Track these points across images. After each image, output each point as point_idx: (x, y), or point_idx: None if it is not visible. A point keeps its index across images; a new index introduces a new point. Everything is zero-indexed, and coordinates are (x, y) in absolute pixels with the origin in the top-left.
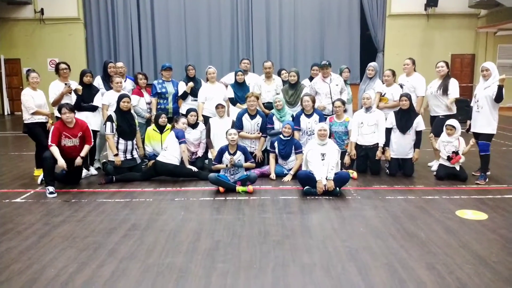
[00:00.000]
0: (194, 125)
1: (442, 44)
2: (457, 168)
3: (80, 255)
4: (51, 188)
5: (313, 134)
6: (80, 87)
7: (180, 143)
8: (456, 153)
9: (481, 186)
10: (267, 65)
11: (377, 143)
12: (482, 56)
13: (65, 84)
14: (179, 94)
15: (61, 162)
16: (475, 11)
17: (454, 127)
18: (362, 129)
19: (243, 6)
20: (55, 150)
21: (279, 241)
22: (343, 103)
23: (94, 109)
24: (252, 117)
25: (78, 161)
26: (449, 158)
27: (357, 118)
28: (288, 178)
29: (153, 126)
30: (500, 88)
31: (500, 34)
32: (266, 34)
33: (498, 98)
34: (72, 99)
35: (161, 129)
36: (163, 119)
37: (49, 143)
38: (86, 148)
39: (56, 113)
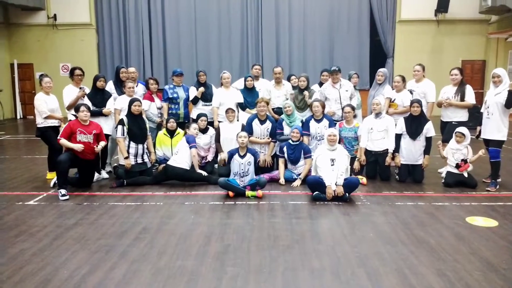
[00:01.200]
0: (204, 130)
1: (452, 50)
2: (465, 175)
3: (92, 257)
4: (63, 191)
5: (323, 139)
6: (85, 92)
7: (190, 147)
8: (465, 161)
9: (492, 193)
10: (277, 70)
11: (387, 149)
12: (493, 62)
13: (80, 88)
14: (190, 99)
15: (78, 146)
16: (485, 17)
17: (463, 134)
18: (372, 134)
19: (253, 11)
20: (64, 142)
21: (289, 245)
22: (353, 108)
23: (101, 114)
24: (262, 122)
25: (99, 147)
26: (457, 166)
27: (367, 123)
28: (297, 183)
29: (164, 130)
30: (510, 93)
31: (511, 40)
32: (275, 40)
33: (508, 103)
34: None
35: (171, 133)
36: (171, 124)
37: (59, 137)
38: (102, 143)
39: (69, 117)
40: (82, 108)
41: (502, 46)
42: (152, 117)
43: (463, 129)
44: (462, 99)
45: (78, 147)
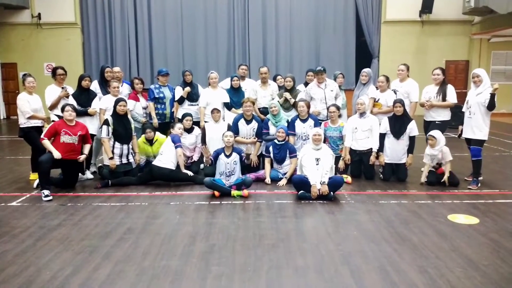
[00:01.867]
0: (189, 130)
1: (436, 51)
2: (447, 174)
3: (76, 258)
4: (46, 192)
5: (308, 139)
6: (68, 92)
7: (176, 147)
8: (439, 165)
9: (473, 191)
10: (263, 70)
11: (371, 148)
12: (476, 63)
13: (62, 88)
14: (176, 99)
15: (56, 154)
16: (469, 18)
17: (434, 137)
18: (356, 134)
19: (239, 12)
20: (47, 143)
21: (274, 244)
22: (338, 108)
23: (86, 113)
24: (248, 122)
25: (82, 158)
26: (434, 168)
27: (351, 123)
28: (283, 182)
29: (142, 138)
30: (492, 96)
31: (494, 41)
32: (262, 40)
33: (491, 106)
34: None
35: (150, 142)
36: (148, 135)
37: (42, 136)
38: (87, 146)
39: (52, 117)
40: (67, 108)
41: (485, 46)
42: (137, 117)
43: (435, 132)
44: (444, 98)
45: (56, 155)
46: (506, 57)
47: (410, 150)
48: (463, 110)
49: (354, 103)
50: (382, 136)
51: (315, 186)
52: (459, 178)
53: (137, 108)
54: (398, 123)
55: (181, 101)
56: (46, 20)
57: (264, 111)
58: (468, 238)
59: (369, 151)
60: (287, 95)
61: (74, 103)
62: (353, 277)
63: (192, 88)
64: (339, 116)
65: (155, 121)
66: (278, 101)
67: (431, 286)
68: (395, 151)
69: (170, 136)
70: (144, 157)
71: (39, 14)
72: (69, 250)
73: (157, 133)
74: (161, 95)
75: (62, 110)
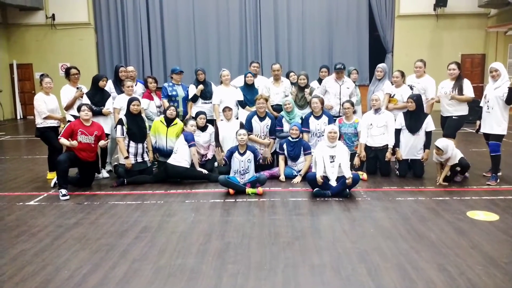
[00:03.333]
0: (203, 128)
1: (451, 45)
2: (443, 175)
3: (93, 257)
4: (64, 191)
5: (323, 135)
6: (83, 92)
7: (189, 146)
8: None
9: (492, 187)
10: (275, 67)
11: (387, 145)
12: (493, 56)
13: (77, 88)
14: (189, 97)
15: (73, 143)
16: (484, 10)
17: (440, 149)
18: (372, 130)
19: (251, 9)
20: (64, 141)
21: (289, 242)
22: (352, 104)
23: (100, 113)
24: (262, 119)
25: (103, 143)
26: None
27: (366, 119)
28: (297, 179)
29: (161, 117)
30: (510, 90)
31: (510, 34)
32: (274, 36)
33: (509, 100)
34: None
35: (168, 122)
36: (170, 111)
37: (59, 137)
38: (103, 142)
39: (68, 117)
40: (83, 107)
41: (501, 39)
42: (152, 116)
43: (440, 143)
44: (460, 93)
45: (72, 144)
46: None
47: (427, 145)
48: (481, 105)
49: (369, 99)
50: (397, 132)
51: (319, 177)
52: (477, 174)
53: (151, 107)
54: (414, 118)
55: (194, 99)
56: (60, 21)
57: (277, 108)
58: (488, 235)
59: (385, 147)
60: (306, 91)
61: (88, 102)
62: (371, 275)
63: (206, 86)
64: (354, 112)
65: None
66: (294, 91)
67: (451, 284)
68: (411, 147)
69: (183, 134)
70: (154, 141)
71: (53, 15)
72: (86, 248)
73: (177, 119)
74: (174, 93)
75: (79, 110)
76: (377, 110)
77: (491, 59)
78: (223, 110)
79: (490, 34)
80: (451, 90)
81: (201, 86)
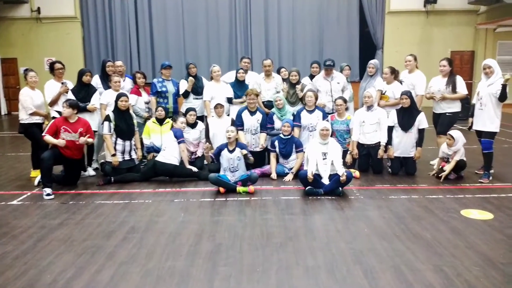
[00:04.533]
0: (193, 125)
1: (441, 41)
2: (447, 171)
3: (78, 260)
4: (48, 190)
5: (315, 130)
6: (68, 87)
7: (179, 142)
8: (447, 159)
9: (485, 185)
10: (266, 63)
11: (379, 142)
12: (482, 53)
13: (62, 83)
14: (181, 93)
15: (61, 142)
16: (474, 7)
17: (453, 137)
18: (364, 127)
19: (241, 4)
20: (49, 138)
21: (282, 243)
22: (345, 101)
23: (85, 109)
24: (252, 113)
25: (83, 140)
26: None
27: (359, 116)
28: (289, 177)
29: (153, 118)
30: (504, 87)
31: (499, 31)
32: (264, 32)
33: (502, 97)
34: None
35: (160, 122)
36: (159, 112)
37: (44, 133)
38: (85, 139)
39: (53, 113)
40: (63, 104)
41: (490, 36)
42: (140, 112)
43: (455, 132)
44: (454, 90)
45: (60, 142)
46: None
47: (419, 143)
48: (473, 102)
49: (361, 96)
50: (390, 129)
51: (310, 174)
52: (470, 171)
53: (139, 103)
54: (406, 115)
55: (186, 95)
56: (46, 14)
57: (268, 104)
58: (483, 234)
59: (377, 145)
60: (298, 87)
61: (73, 98)
62: (367, 278)
63: (197, 81)
64: (346, 109)
65: (146, 115)
66: (285, 88)
67: (449, 286)
68: (403, 144)
69: (172, 130)
70: (149, 142)
71: (39, 8)
72: (71, 251)
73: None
74: (164, 89)
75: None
76: (369, 107)
77: (481, 56)
78: (215, 107)
79: (480, 31)
80: (444, 87)
81: (192, 79)
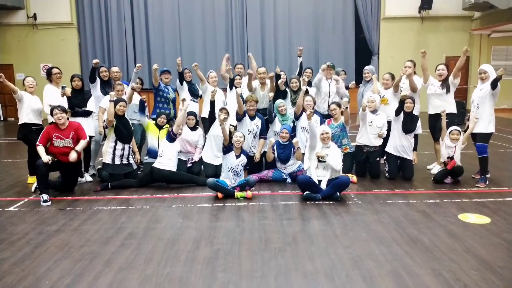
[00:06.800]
0: (192, 129)
1: (436, 47)
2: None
3: (76, 266)
4: (45, 196)
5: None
6: (68, 90)
7: (171, 142)
8: (451, 158)
9: (482, 189)
10: (261, 70)
11: (379, 146)
12: (476, 58)
13: (62, 87)
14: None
15: (45, 158)
16: (469, 13)
17: (460, 132)
18: (371, 128)
19: (237, 11)
20: (40, 149)
21: (281, 248)
22: (339, 105)
23: (87, 114)
24: (252, 118)
25: (73, 156)
26: (445, 164)
27: (368, 116)
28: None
29: (154, 122)
30: (497, 77)
31: (494, 36)
32: (260, 38)
33: (494, 85)
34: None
35: (159, 126)
36: (161, 119)
37: (37, 143)
38: (82, 142)
39: (50, 119)
40: (55, 111)
41: (485, 42)
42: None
43: (458, 128)
44: (448, 91)
45: (45, 159)
46: (506, 52)
47: (414, 147)
48: (471, 110)
49: (359, 100)
50: (389, 124)
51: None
52: (466, 176)
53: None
54: (409, 120)
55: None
56: (42, 21)
57: (263, 112)
58: (481, 238)
59: (377, 149)
60: (280, 82)
61: (65, 103)
62: (366, 283)
63: (191, 85)
64: (341, 113)
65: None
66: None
67: None
68: (399, 145)
69: (167, 136)
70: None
71: (35, 14)
72: (68, 257)
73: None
74: (168, 95)
75: (51, 112)
76: (373, 112)
77: (475, 61)
78: (220, 110)
79: (474, 37)
80: (439, 88)
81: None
